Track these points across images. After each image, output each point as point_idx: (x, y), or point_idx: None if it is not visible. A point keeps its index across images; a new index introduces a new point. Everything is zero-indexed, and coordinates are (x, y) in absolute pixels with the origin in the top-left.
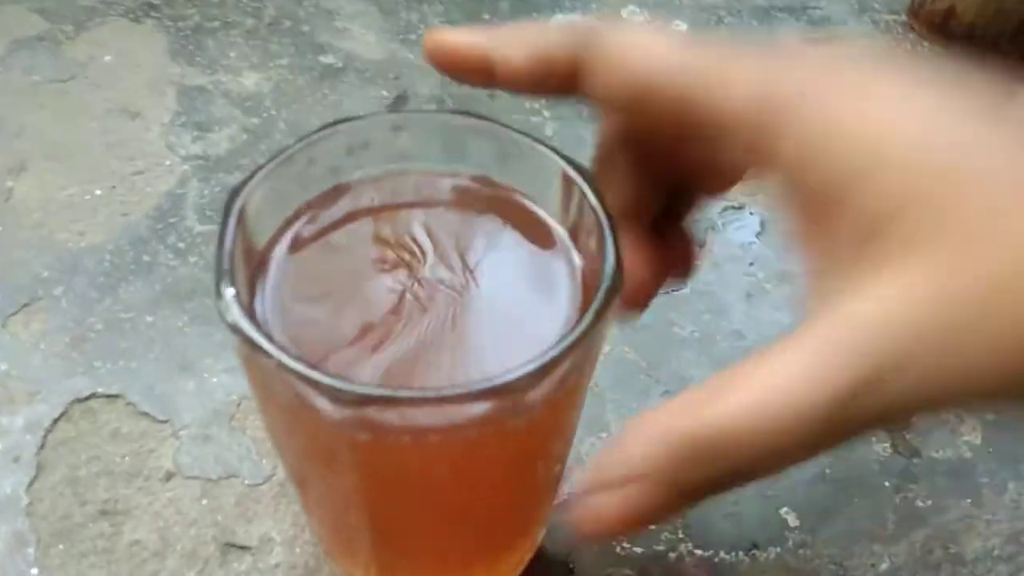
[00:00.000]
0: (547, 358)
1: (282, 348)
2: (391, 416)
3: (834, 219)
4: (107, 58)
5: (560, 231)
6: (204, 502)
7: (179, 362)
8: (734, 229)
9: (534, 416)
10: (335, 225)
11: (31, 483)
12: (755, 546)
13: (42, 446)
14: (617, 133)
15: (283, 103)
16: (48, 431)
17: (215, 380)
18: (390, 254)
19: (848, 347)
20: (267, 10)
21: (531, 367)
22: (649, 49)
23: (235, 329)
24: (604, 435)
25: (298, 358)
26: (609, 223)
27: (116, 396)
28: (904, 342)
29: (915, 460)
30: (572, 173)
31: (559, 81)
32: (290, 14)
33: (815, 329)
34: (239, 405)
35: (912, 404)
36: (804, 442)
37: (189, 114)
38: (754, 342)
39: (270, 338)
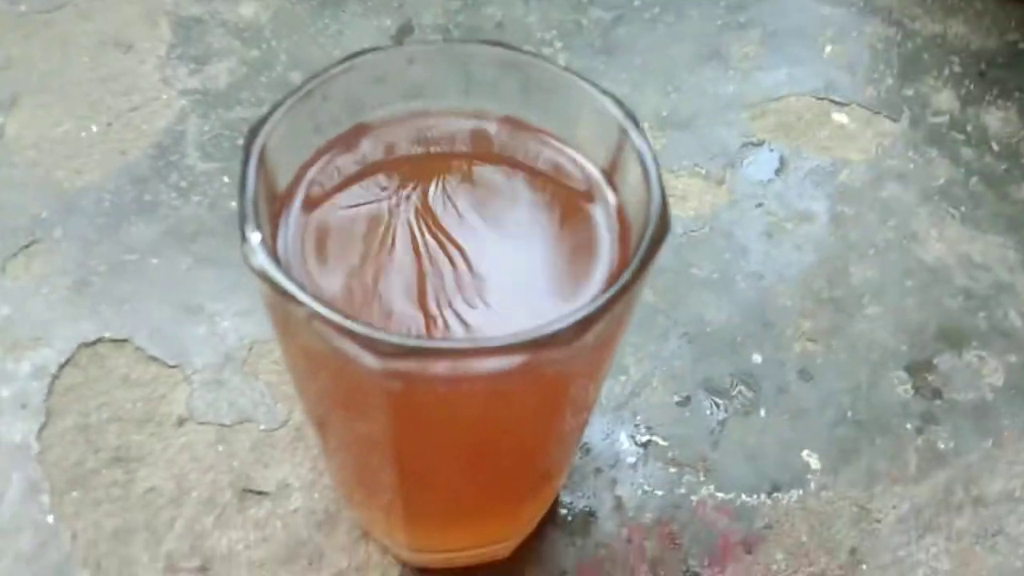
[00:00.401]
0: (591, 309)
1: (315, 297)
2: (429, 367)
3: None
4: None
5: (593, 171)
6: (219, 448)
7: (187, 305)
8: (751, 166)
9: (572, 366)
10: (356, 168)
11: (41, 430)
12: (776, 488)
13: (50, 392)
14: None
15: (283, 34)
16: (55, 377)
17: (225, 324)
18: (416, 198)
19: None
20: None
21: (575, 318)
22: None
23: (263, 276)
24: (623, 378)
25: (332, 307)
26: (654, 163)
27: (124, 341)
28: None
29: (937, 402)
30: (612, 108)
31: None
32: None
33: None
34: (251, 349)
35: None
36: None
37: (185, 46)
38: (773, 282)
39: (301, 286)
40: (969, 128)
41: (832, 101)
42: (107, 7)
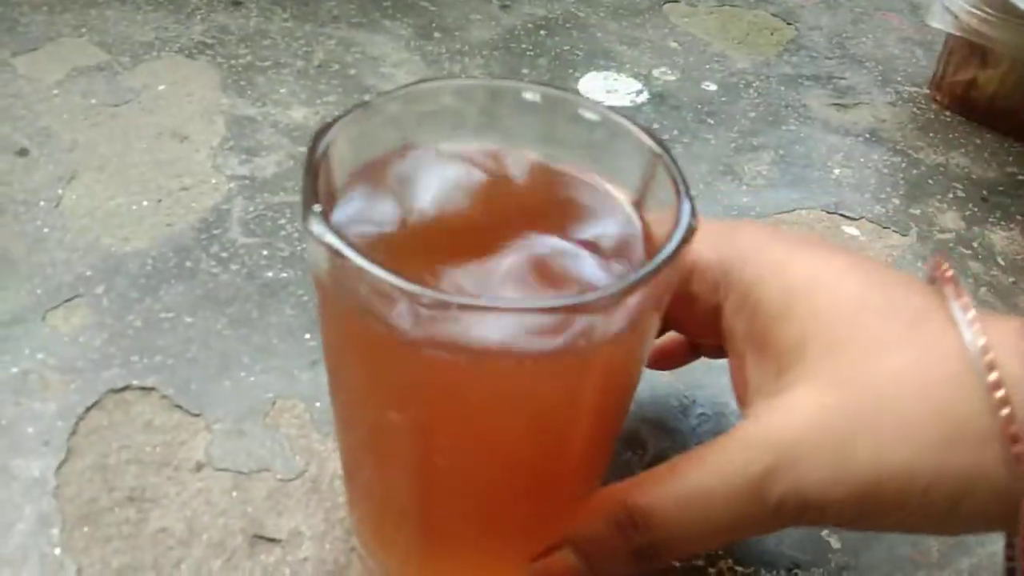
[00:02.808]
0: (626, 283)
1: (364, 255)
2: (467, 324)
3: (763, 353)
4: (161, 87)
5: (624, 197)
6: (234, 494)
7: (216, 362)
8: None
9: (600, 352)
10: (406, 170)
11: (60, 466)
12: (797, 566)
13: (73, 432)
14: None
15: None
16: (80, 418)
17: (252, 379)
18: (461, 193)
19: (762, 443)
20: (316, 54)
21: (610, 290)
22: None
23: (320, 240)
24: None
25: (379, 264)
26: (683, 182)
27: (151, 389)
28: (795, 441)
29: None
30: (644, 138)
31: None
32: (338, 58)
33: (743, 431)
34: (274, 404)
35: (807, 493)
36: (732, 520)
37: (237, 139)
38: None
39: (353, 247)
40: (975, 244)
41: (842, 215)
42: (169, 104)
